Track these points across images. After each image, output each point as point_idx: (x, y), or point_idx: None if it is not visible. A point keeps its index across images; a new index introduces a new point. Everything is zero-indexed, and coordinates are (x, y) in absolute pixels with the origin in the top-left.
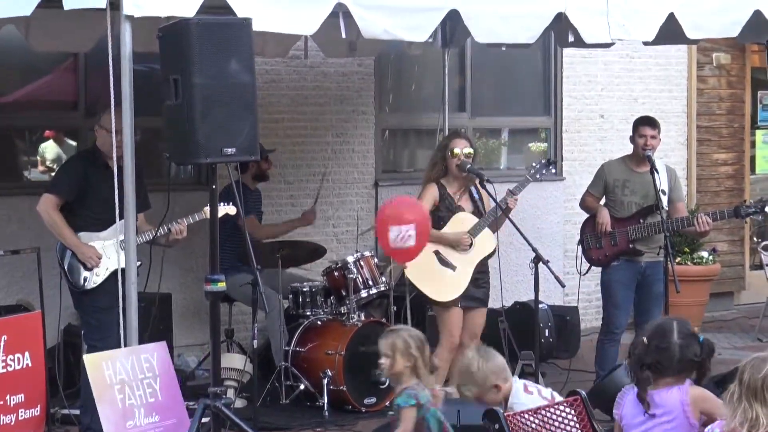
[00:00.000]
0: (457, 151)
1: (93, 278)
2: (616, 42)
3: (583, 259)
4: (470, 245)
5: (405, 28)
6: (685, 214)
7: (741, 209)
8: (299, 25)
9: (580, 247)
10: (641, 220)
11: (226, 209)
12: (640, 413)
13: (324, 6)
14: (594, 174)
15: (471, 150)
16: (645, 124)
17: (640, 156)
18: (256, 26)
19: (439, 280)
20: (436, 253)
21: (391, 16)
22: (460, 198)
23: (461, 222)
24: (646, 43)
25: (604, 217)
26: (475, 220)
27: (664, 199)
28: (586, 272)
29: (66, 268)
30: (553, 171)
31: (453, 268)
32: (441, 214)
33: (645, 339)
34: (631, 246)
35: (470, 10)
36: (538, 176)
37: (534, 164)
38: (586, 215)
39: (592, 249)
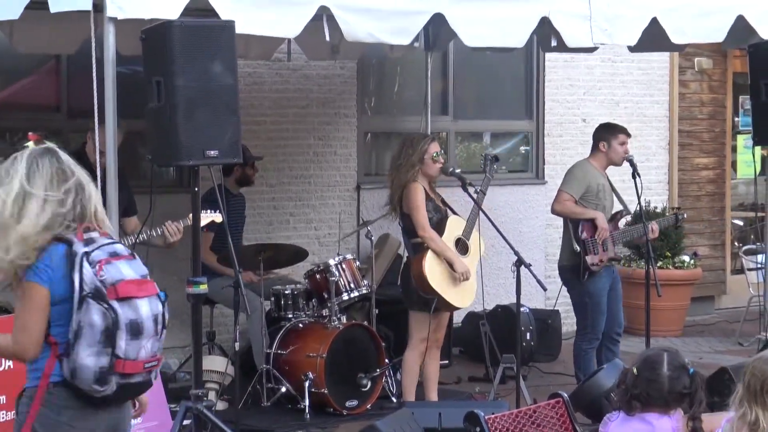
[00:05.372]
0: (436, 155)
1: None
2: (599, 46)
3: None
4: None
5: (388, 32)
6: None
7: (678, 216)
8: (282, 28)
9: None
10: (620, 225)
11: (212, 217)
12: None
13: (307, 9)
14: (571, 176)
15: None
16: (624, 132)
17: (614, 163)
18: (240, 29)
19: (459, 286)
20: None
21: (374, 20)
22: (436, 198)
23: (456, 226)
24: (631, 49)
25: (605, 222)
26: (464, 223)
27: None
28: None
29: None
30: (496, 166)
31: None
32: (429, 215)
33: (635, 370)
34: (616, 251)
35: (455, 14)
36: (489, 173)
37: (481, 163)
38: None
39: (589, 255)
